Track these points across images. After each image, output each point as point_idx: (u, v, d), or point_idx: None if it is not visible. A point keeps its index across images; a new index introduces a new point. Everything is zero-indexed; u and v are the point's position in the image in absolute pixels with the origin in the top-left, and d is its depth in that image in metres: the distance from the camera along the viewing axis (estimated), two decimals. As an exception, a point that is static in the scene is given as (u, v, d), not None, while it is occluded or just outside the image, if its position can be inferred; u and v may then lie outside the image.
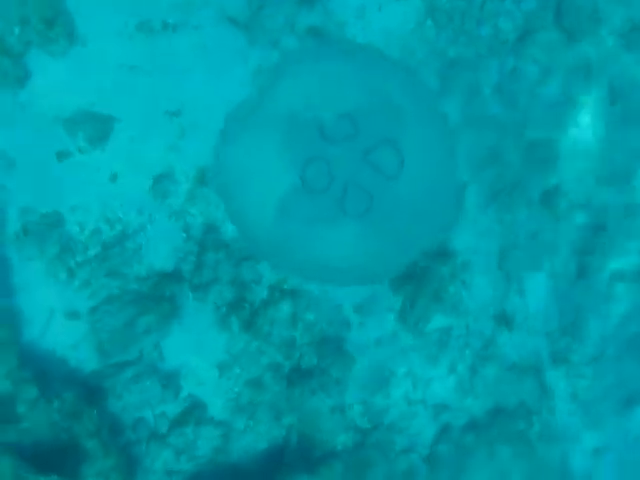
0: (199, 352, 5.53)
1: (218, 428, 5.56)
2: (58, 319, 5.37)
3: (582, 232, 5.93)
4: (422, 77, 5.69)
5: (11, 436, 4.88)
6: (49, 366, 5.29)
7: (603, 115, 5.87)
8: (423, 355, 5.77)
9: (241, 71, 5.52)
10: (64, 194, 5.38)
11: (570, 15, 5.78)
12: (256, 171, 5.34)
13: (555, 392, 5.97)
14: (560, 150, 5.84)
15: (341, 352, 5.66)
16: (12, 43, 5.24)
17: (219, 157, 5.39)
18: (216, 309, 5.53)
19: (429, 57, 5.73)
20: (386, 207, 5.36)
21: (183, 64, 5.47)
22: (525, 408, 5.89)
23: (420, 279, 5.67)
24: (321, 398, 5.60)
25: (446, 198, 5.58)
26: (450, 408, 5.82)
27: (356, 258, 5.36)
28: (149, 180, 5.47)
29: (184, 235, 5.50)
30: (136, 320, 5.40)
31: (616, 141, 5.90)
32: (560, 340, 5.94)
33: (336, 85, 5.39)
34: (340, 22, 5.64)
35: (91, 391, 5.31)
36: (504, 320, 5.86)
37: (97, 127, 5.36)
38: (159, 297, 5.45)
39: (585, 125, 5.87)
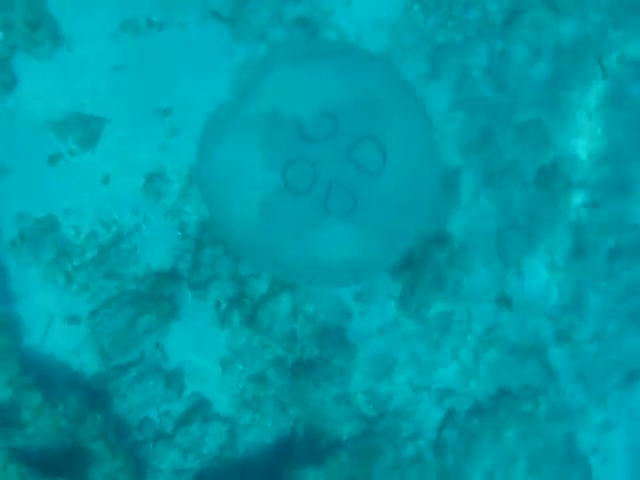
0: (201, 350, 5.53)
1: (224, 424, 5.57)
2: (58, 324, 5.37)
3: (578, 210, 5.92)
4: (402, 67, 5.66)
5: (17, 442, 4.89)
6: (51, 371, 5.30)
7: (594, 93, 5.85)
8: (425, 341, 5.77)
9: (228, 67, 5.49)
10: (58, 198, 5.37)
11: (558, -8, 5.75)
12: (238, 175, 5.29)
13: (560, 371, 5.98)
14: (552, 130, 5.82)
15: (343, 342, 5.66)
16: (-3, 48, 5.23)
17: (200, 162, 5.36)
18: (216, 306, 5.52)
19: (418, 42, 5.69)
20: (371, 203, 5.31)
21: (170, 62, 5.44)
22: (530, 389, 5.90)
23: (418, 265, 5.67)
24: (325, 388, 5.60)
25: (430, 188, 5.53)
26: (455, 393, 5.82)
27: (344, 257, 5.32)
28: (141, 180, 5.45)
29: (179, 233, 5.50)
30: (136, 321, 5.40)
31: (608, 119, 5.89)
32: (562, 319, 5.94)
33: (316, 83, 5.33)
34: (327, 11, 5.61)
35: (95, 394, 5.32)
36: (504, 302, 5.86)
37: (86, 129, 5.34)
38: (158, 297, 5.45)
39: (576, 104, 5.85)
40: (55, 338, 5.35)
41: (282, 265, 5.34)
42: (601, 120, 5.87)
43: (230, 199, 5.30)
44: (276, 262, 5.33)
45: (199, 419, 5.52)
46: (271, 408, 5.60)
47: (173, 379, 5.50)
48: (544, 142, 5.81)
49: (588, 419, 6.03)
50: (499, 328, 5.87)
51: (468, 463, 5.80)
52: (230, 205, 5.30)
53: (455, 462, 5.78)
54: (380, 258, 5.47)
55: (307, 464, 5.43)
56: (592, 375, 6.02)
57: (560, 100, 5.82)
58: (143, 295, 5.44)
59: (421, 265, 5.66)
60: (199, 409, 5.54)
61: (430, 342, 5.78)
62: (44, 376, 5.18)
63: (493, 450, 5.81)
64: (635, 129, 5.93)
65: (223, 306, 5.53)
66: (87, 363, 5.40)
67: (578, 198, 5.91)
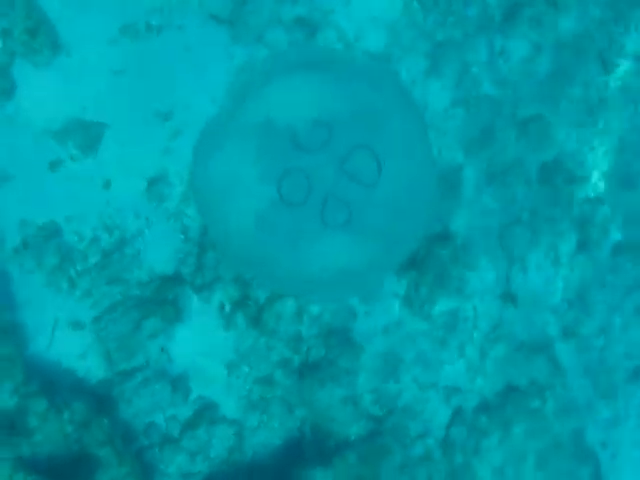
0: (206, 353, 5.52)
1: (231, 427, 5.56)
2: (63, 330, 5.36)
3: (582, 205, 5.92)
4: (402, 65, 5.65)
5: (24, 450, 4.88)
6: (57, 377, 5.28)
7: (595, 87, 5.84)
8: (431, 339, 5.76)
9: (228, 68, 5.47)
10: (59, 204, 5.35)
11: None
12: (232, 188, 5.23)
13: (567, 366, 5.97)
14: (554, 125, 5.81)
15: (349, 342, 5.65)
16: (-4, 56, 5.22)
17: (194, 174, 5.32)
18: (221, 308, 5.51)
19: (418, 40, 5.68)
20: (367, 213, 5.25)
21: (170, 65, 5.42)
22: (538, 385, 5.89)
23: (422, 263, 5.66)
24: (332, 389, 5.60)
25: (428, 195, 5.48)
26: (462, 390, 5.82)
27: (341, 267, 5.25)
28: (143, 184, 5.44)
29: (182, 237, 5.48)
30: (141, 325, 5.39)
31: (610, 113, 5.86)
32: (567, 314, 5.94)
33: (312, 94, 5.28)
34: (326, 10, 5.60)
35: (101, 399, 5.31)
36: (509, 298, 5.85)
37: (87, 134, 5.33)
38: (162, 300, 5.43)
39: (578, 98, 5.83)
40: (60, 344, 5.33)
41: (278, 279, 5.29)
42: (603, 114, 5.86)
43: (225, 213, 5.26)
44: (272, 276, 5.29)
45: (206, 422, 5.51)
46: (278, 409, 5.59)
47: (179, 383, 5.49)
48: (546, 138, 5.81)
49: (596, 414, 6.02)
50: (505, 324, 5.86)
51: (477, 460, 5.79)
52: (225, 219, 5.26)
53: (464, 460, 5.78)
54: (378, 267, 5.41)
55: (315, 465, 5.42)
56: (599, 370, 6.02)
57: (561, 95, 5.81)
58: (147, 299, 5.43)
59: (425, 263, 5.65)
60: (206, 412, 5.53)
61: (436, 340, 5.77)
62: (49, 382, 5.17)
63: (501, 447, 5.81)
64: (638, 123, 5.92)
65: (227, 308, 5.52)
66: (92, 368, 5.38)
67: (581, 193, 5.90)
